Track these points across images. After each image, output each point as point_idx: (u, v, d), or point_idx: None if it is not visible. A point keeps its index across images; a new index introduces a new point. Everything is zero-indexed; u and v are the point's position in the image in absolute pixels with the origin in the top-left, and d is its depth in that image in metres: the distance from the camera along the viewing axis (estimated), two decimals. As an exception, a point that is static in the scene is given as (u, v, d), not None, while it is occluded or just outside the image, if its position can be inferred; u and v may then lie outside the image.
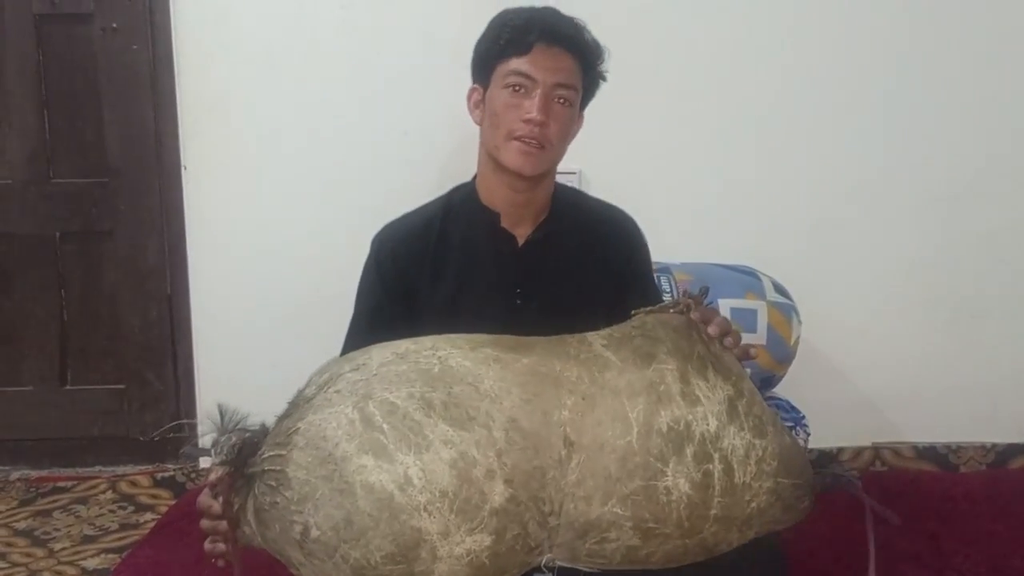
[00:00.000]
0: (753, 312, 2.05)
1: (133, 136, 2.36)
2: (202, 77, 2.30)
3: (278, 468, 1.20)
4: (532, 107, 1.48)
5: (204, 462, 2.18)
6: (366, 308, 1.60)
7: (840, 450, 2.30)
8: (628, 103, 2.26)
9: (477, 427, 1.19)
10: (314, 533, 1.16)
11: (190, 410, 2.44)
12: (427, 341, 1.28)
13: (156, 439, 2.46)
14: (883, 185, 2.32)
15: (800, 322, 2.12)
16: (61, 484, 2.36)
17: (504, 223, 1.58)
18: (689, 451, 1.22)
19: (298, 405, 1.25)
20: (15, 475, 2.41)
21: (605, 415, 1.23)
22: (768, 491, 1.26)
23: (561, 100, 1.50)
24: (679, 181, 2.33)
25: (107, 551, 2.03)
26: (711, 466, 1.23)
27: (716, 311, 1.36)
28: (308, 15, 2.28)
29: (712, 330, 1.32)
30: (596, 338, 1.31)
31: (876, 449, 2.31)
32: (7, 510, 2.24)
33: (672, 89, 2.30)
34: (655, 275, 2.12)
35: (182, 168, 2.34)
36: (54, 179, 2.40)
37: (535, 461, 1.19)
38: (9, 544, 2.07)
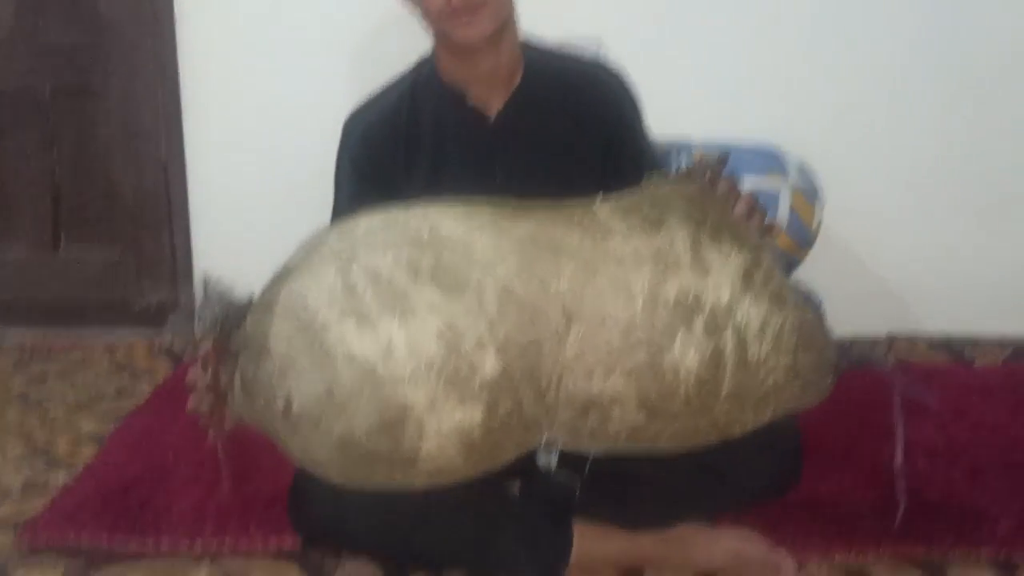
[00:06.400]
0: (775, 193, 1.96)
1: (124, -14, 2.23)
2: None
3: (259, 339, 1.14)
4: None
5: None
6: (344, 199, 1.51)
7: (854, 339, 2.23)
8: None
9: (467, 295, 1.11)
10: (296, 406, 1.11)
11: (188, 278, 2.39)
12: (419, 208, 1.19)
13: (154, 307, 2.42)
14: (914, 69, 2.17)
15: (823, 206, 2.03)
16: (57, 350, 2.33)
17: (473, 99, 1.47)
18: (698, 324, 1.14)
19: (281, 274, 1.19)
20: (9, 339, 2.37)
21: (607, 285, 1.15)
22: (786, 368, 1.18)
23: None
24: (702, 54, 2.18)
25: (103, 417, 2.00)
26: (722, 340, 1.15)
27: (736, 181, 1.26)
28: None
29: (739, 208, 1.23)
30: (601, 205, 1.22)
31: (891, 340, 2.24)
32: (0, 373, 2.21)
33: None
34: (673, 150, 2.04)
35: (175, 21, 2.21)
36: (43, 34, 2.28)
37: (530, 333, 1.12)
38: (2, 408, 2.04)
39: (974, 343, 2.25)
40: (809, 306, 1.25)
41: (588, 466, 1.33)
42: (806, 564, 1.42)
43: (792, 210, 1.98)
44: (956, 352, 2.23)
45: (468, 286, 1.12)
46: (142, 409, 1.99)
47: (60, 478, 1.71)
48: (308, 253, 1.19)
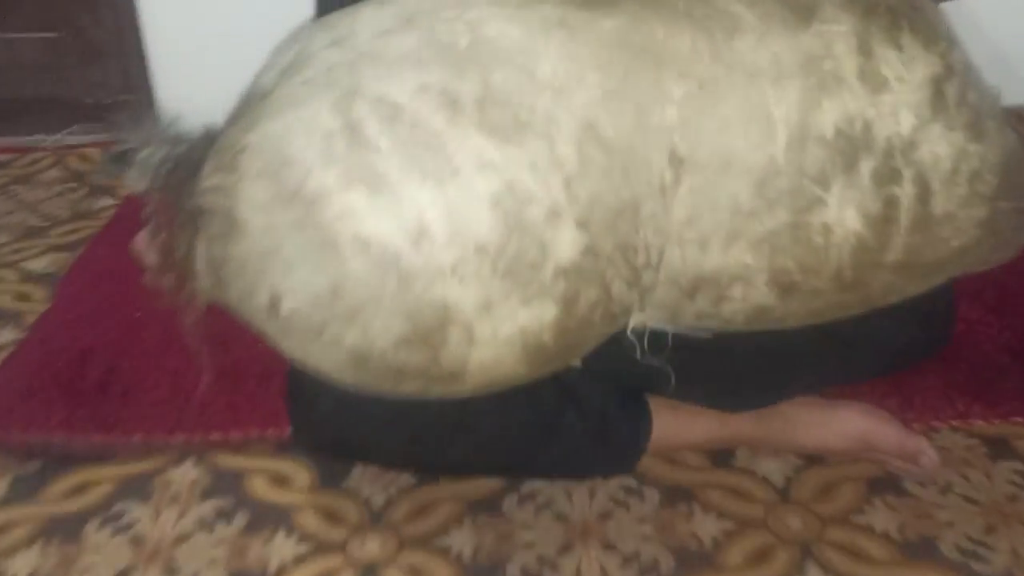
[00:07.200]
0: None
1: None
2: None
3: (224, 205, 0.78)
4: None
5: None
6: None
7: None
8: None
9: (533, 139, 0.74)
10: (288, 306, 0.77)
11: (140, 66, 1.97)
12: None
13: (107, 102, 2.01)
14: None
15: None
16: (-3, 158, 1.95)
17: None
18: (867, 167, 0.79)
19: (250, 103, 0.81)
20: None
21: (734, 112, 0.78)
22: (980, 223, 0.84)
23: None
24: None
25: (56, 248, 1.65)
26: (899, 189, 0.80)
27: None
28: None
29: None
30: None
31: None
32: (-70, 189, 1.85)
33: None
34: None
35: None
36: None
37: (624, 190, 0.76)
38: (-68, 235, 1.70)
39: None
40: (1011, 125, 0.88)
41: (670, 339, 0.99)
42: (938, 431, 1.14)
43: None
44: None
45: (533, 124, 0.74)
46: (102, 238, 1.65)
47: (5, 337, 1.40)
48: (289, 70, 0.80)
